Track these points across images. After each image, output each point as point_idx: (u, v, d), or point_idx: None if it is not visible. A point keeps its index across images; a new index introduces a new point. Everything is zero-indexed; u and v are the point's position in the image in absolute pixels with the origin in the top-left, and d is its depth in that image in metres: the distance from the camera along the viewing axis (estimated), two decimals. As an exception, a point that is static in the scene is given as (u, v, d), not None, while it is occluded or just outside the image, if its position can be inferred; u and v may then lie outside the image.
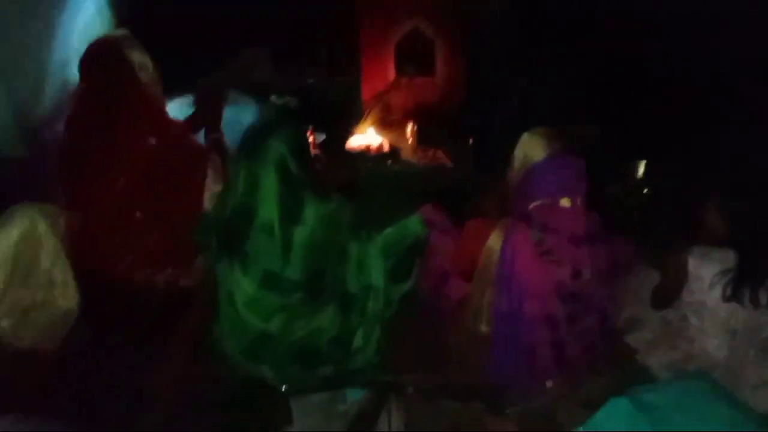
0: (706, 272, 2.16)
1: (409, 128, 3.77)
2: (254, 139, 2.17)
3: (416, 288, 2.46)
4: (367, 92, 3.98)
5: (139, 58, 2.71)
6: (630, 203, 3.31)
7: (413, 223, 2.41)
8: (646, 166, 3.41)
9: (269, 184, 2.12)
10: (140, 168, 2.66)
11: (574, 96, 4.09)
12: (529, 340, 2.18)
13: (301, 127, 2.30)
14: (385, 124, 3.87)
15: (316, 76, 4.37)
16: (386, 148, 3.68)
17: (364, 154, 3.68)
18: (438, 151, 3.64)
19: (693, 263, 2.18)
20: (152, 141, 2.66)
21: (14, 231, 2.13)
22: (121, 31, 2.79)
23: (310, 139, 3.61)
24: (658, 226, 2.88)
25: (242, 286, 2.19)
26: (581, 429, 1.84)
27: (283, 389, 2.23)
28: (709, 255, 2.17)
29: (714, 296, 2.14)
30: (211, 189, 2.74)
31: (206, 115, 3.11)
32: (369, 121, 3.83)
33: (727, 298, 2.11)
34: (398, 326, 2.42)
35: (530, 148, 2.22)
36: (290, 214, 2.15)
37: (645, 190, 3.35)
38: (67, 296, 2.32)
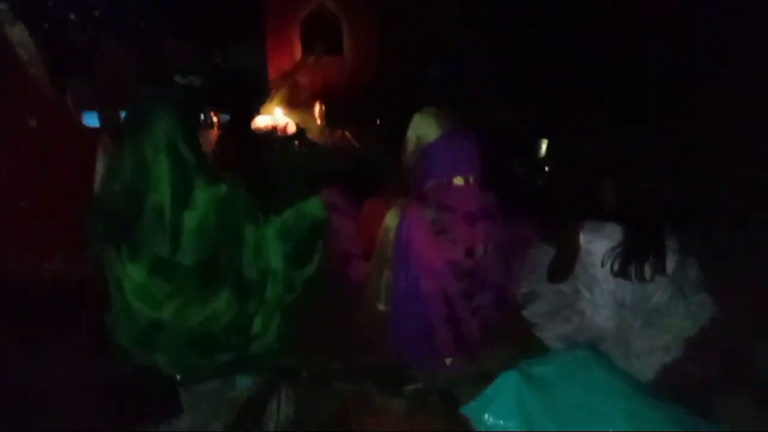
0: (596, 247, 2.23)
1: (317, 108, 3.72)
2: (141, 119, 2.05)
3: (320, 271, 2.45)
4: (273, 71, 3.89)
5: (18, 35, 2.53)
6: (533, 181, 3.39)
7: (312, 206, 2.38)
8: (548, 145, 3.49)
9: (160, 167, 2.03)
10: (22, 152, 2.49)
11: (485, 75, 4.16)
12: (426, 317, 2.20)
13: (191, 107, 2.19)
14: (292, 105, 3.79)
15: (221, 54, 4.25)
16: (293, 128, 3.61)
17: (271, 134, 3.59)
18: (345, 132, 3.60)
19: (585, 238, 2.25)
20: (33, 123, 2.50)
21: None
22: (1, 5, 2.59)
23: (215, 119, 3.51)
24: (555, 202, 2.97)
25: (130, 272, 2.09)
26: (473, 403, 1.89)
27: (177, 378, 2.17)
28: (600, 230, 2.24)
29: (604, 270, 2.22)
30: (102, 173, 2.60)
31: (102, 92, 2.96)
32: (275, 101, 3.75)
33: (615, 274, 2.19)
34: (300, 310, 2.40)
35: (422, 129, 2.22)
36: (180, 198, 2.06)
37: (546, 168, 3.43)
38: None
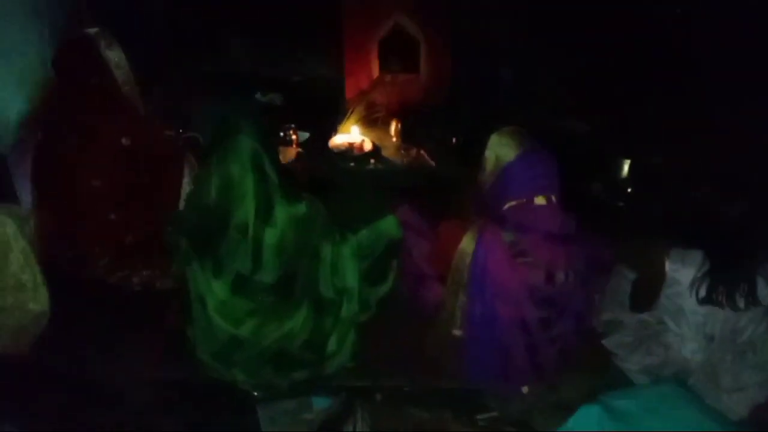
0: (683, 275, 2.13)
1: (393, 126, 3.73)
2: (227, 137, 2.12)
3: (394, 291, 2.45)
4: (350, 90, 3.94)
5: (115, 56, 2.67)
6: (612, 202, 3.28)
7: (388, 224, 2.40)
8: (631, 164, 3.38)
9: (245, 184, 2.08)
10: (115, 168, 2.62)
11: (561, 92, 4.08)
12: (503, 344, 2.16)
13: (271, 123, 2.25)
14: (368, 123, 3.82)
15: (299, 73, 4.36)
16: (369, 146, 3.64)
17: (347, 152, 3.64)
18: (421, 150, 3.60)
19: (671, 266, 2.16)
20: (126, 141, 2.62)
21: (-19, 234, 2.11)
22: (96, 28, 2.74)
23: (293, 137, 3.58)
24: (638, 226, 2.86)
25: (213, 289, 2.16)
26: (552, 436, 1.84)
27: (255, 394, 2.21)
28: (687, 258, 2.14)
29: (691, 300, 2.12)
30: (187, 189, 2.70)
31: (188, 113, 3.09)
32: (352, 119, 3.79)
33: (701, 301, 2.09)
34: (374, 329, 2.41)
35: (500, 149, 2.19)
36: (262, 215, 2.12)
37: (628, 190, 3.31)
38: (37, 299, 2.31)
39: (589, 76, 4.12)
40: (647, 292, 2.25)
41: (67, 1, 3.29)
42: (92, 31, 2.68)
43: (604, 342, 2.38)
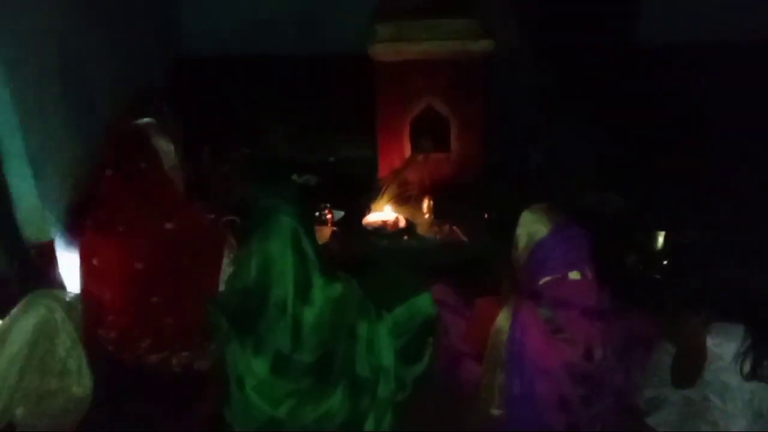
0: (725, 350, 2.09)
1: (425, 204, 3.80)
2: (265, 217, 2.20)
3: (430, 370, 2.44)
4: (383, 169, 4.05)
5: (164, 145, 2.83)
6: (648, 275, 3.24)
7: (423, 302, 2.41)
8: (666, 237, 3.36)
9: (284, 261, 2.14)
10: (157, 252, 2.72)
11: (593, 167, 4.13)
12: (543, 423, 2.12)
13: (313, 203, 2.33)
14: (401, 200, 3.90)
15: (334, 154, 4.51)
16: (402, 223, 3.70)
17: (381, 230, 3.70)
18: (453, 227, 3.64)
19: (712, 341, 2.12)
20: (169, 225, 2.74)
21: (31, 319, 2.19)
22: (147, 119, 2.92)
23: (328, 216, 3.67)
24: (676, 299, 2.82)
25: (253, 368, 2.18)
26: None
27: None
28: (729, 332, 2.11)
29: (736, 375, 2.07)
30: (227, 271, 2.78)
31: (225, 197, 3.21)
32: (385, 197, 3.88)
33: (746, 376, 2.03)
34: (412, 410, 2.39)
35: (532, 226, 2.22)
36: (301, 293, 2.16)
37: (665, 262, 3.28)
38: (81, 384, 2.36)
39: (622, 150, 4.18)
40: (689, 368, 2.20)
41: (110, 96, 3.52)
42: (143, 122, 2.86)
43: (647, 420, 2.31)
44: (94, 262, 2.72)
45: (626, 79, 4.63)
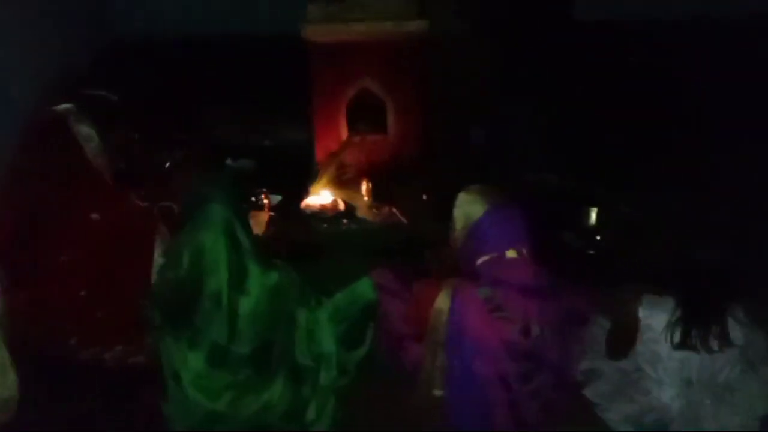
0: (657, 321, 2.16)
1: (364, 186, 3.78)
2: (197, 206, 2.14)
3: (372, 354, 2.44)
4: (320, 152, 4.00)
5: (84, 131, 2.69)
6: (583, 250, 3.33)
7: (363, 287, 2.40)
8: (598, 213, 3.45)
9: (217, 251, 2.09)
10: (84, 244, 2.60)
11: (530, 146, 4.19)
12: (484, 401, 2.14)
13: (245, 189, 2.27)
14: (339, 183, 3.87)
15: (270, 138, 4.43)
16: (341, 206, 3.68)
17: (320, 213, 3.67)
18: (393, 209, 3.64)
19: (644, 312, 2.19)
20: (95, 216, 2.62)
21: (-53, 319, 2.05)
22: (67, 105, 2.76)
23: (265, 201, 3.60)
24: (609, 274, 2.90)
25: (189, 362, 2.12)
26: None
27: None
28: (659, 303, 2.18)
29: (666, 345, 2.14)
30: (159, 262, 2.68)
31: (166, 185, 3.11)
32: (323, 180, 3.84)
33: (675, 346, 2.11)
34: (354, 394, 2.38)
35: (468, 206, 2.24)
36: (236, 284, 2.11)
37: (597, 237, 3.38)
38: (5, 384, 2.23)
39: (558, 129, 4.26)
40: (622, 340, 2.27)
41: (35, 80, 3.33)
42: (62, 107, 2.71)
43: (584, 392, 2.37)
44: (16, 256, 2.58)
45: (563, 55, 4.70)
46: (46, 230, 2.56)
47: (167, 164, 3.64)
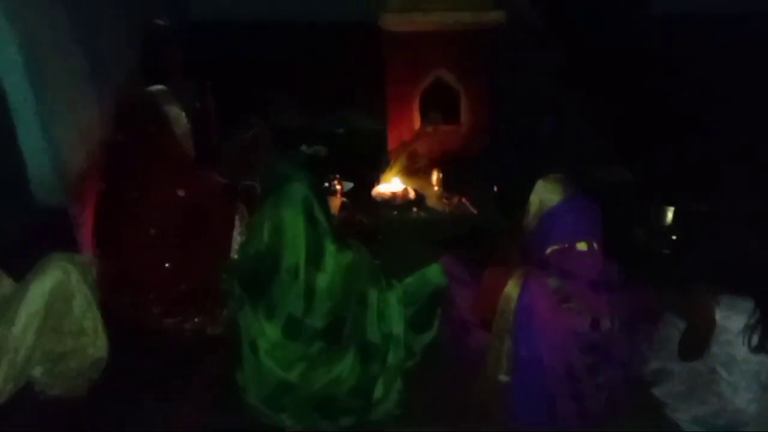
0: (733, 323, 2.11)
1: (435, 176, 3.81)
2: (278, 184, 2.23)
3: (438, 338, 2.48)
4: (393, 141, 4.05)
5: (174, 112, 2.84)
6: (657, 250, 3.26)
7: (433, 272, 2.45)
8: (675, 212, 3.36)
9: (296, 227, 2.17)
10: (169, 219, 2.75)
11: (602, 139, 4.11)
12: (549, 390, 2.15)
13: (323, 173, 2.35)
14: (410, 172, 3.92)
15: (343, 125, 4.51)
16: (411, 195, 3.72)
17: (390, 201, 3.72)
18: (462, 198, 3.66)
19: (721, 314, 2.14)
20: (181, 192, 2.76)
21: (47, 281, 2.21)
22: (158, 86, 2.92)
23: (338, 187, 3.68)
24: (686, 273, 2.83)
25: (266, 331, 2.22)
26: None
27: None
28: (737, 305, 2.13)
29: (743, 348, 2.09)
30: (238, 239, 2.80)
31: (240, 163, 3.23)
32: (395, 169, 3.89)
33: (753, 349, 2.05)
34: (420, 377, 2.43)
35: (545, 194, 2.23)
36: (313, 259, 2.19)
37: (673, 237, 3.29)
38: (97, 345, 2.39)
39: (632, 124, 4.15)
40: (697, 341, 2.23)
41: (124, 61, 3.51)
42: (154, 88, 2.86)
43: (653, 391, 2.34)
44: (108, 227, 2.75)
45: (638, 49, 4.57)
46: (136, 204, 2.72)
47: (243, 144, 3.77)
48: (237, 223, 2.84)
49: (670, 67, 4.52)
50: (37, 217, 2.82)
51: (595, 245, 2.21)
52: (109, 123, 3.09)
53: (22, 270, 2.29)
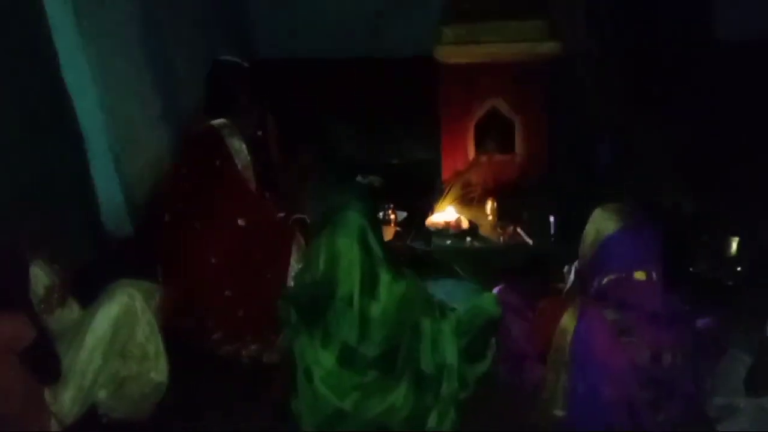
0: (804, 358, 2.02)
1: (489, 205, 3.80)
2: (334, 213, 2.27)
3: (492, 369, 2.45)
4: (447, 171, 4.07)
5: (236, 144, 2.95)
6: (719, 281, 3.15)
7: (487, 302, 2.43)
8: (739, 243, 3.25)
9: (352, 255, 2.20)
10: (230, 248, 2.84)
11: (662, 167, 4.03)
12: (607, 426, 2.09)
13: (378, 203, 2.39)
14: (465, 202, 3.91)
15: (398, 156, 4.57)
16: (465, 224, 3.71)
17: (444, 231, 3.72)
18: (518, 229, 3.63)
19: (789, 349, 2.05)
20: (242, 222, 2.85)
21: (114, 306, 2.32)
22: (221, 120, 3.04)
23: (392, 216, 3.72)
24: (753, 306, 2.73)
25: (321, 360, 2.24)
26: None
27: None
28: (807, 339, 2.04)
29: (814, 384, 2.00)
30: (295, 267, 2.87)
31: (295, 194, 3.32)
32: (449, 198, 3.89)
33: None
34: (475, 409, 2.40)
35: (602, 222, 2.20)
36: (368, 288, 2.22)
37: (738, 269, 3.18)
38: (158, 369, 2.48)
39: (693, 152, 4.06)
40: (765, 376, 2.14)
41: (192, 97, 3.68)
42: (217, 122, 2.99)
43: (718, 427, 2.25)
44: (172, 255, 2.86)
45: (700, 75, 4.48)
46: (200, 232, 2.82)
47: (297, 176, 3.87)
48: (294, 251, 2.90)
49: (732, 94, 4.41)
50: (107, 245, 2.96)
51: (654, 275, 2.15)
52: (175, 156, 3.24)
53: (92, 297, 2.41)
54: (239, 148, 2.92)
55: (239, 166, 2.91)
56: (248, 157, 2.94)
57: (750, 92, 4.42)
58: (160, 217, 2.98)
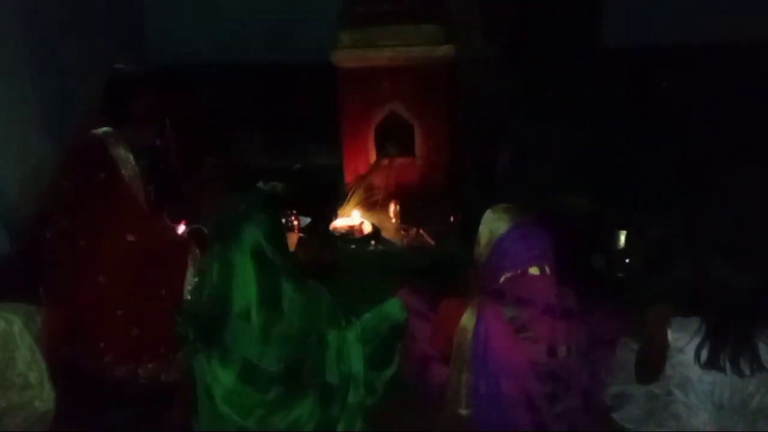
0: (686, 343, 2.14)
1: (392, 208, 3.82)
2: (228, 226, 2.18)
3: (399, 374, 2.45)
4: (349, 175, 4.06)
5: (122, 154, 2.77)
6: (612, 273, 3.31)
7: (392, 307, 2.43)
8: (627, 236, 3.43)
9: (245, 271, 2.11)
10: (120, 265, 2.68)
11: (559, 169, 4.19)
12: (510, 421, 2.13)
13: (277, 212, 2.31)
14: (367, 206, 3.92)
15: (300, 161, 4.52)
16: (369, 228, 3.72)
17: (348, 235, 3.72)
18: (420, 230, 3.67)
19: (673, 335, 2.16)
20: (131, 237, 2.70)
21: (-11, 333, 2.14)
22: (105, 128, 2.86)
23: (295, 223, 3.66)
24: (638, 296, 2.88)
25: (220, 378, 2.16)
26: None
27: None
28: (689, 325, 2.15)
29: (696, 368, 2.12)
30: (191, 281, 2.75)
31: (188, 206, 3.19)
32: (352, 202, 3.89)
33: (704, 366, 2.08)
34: (382, 414, 2.39)
35: (493, 223, 2.25)
36: (268, 302, 2.14)
37: (627, 261, 3.35)
38: (43, 398, 2.32)
39: (587, 153, 4.26)
40: (652, 363, 2.25)
41: (74, 108, 3.47)
42: (100, 131, 2.80)
43: (613, 416, 2.35)
44: (56, 275, 2.67)
45: (592, 79, 4.71)
46: (85, 250, 2.64)
47: (197, 185, 3.74)
48: (190, 264, 2.78)
49: (622, 96, 4.68)
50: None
51: (547, 269, 2.23)
52: (58, 169, 3.03)
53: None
54: (125, 158, 2.73)
55: (126, 178, 2.73)
56: (136, 168, 2.76)
57: (637, 96, 4.71)
58: (41, 234, 2.78)
